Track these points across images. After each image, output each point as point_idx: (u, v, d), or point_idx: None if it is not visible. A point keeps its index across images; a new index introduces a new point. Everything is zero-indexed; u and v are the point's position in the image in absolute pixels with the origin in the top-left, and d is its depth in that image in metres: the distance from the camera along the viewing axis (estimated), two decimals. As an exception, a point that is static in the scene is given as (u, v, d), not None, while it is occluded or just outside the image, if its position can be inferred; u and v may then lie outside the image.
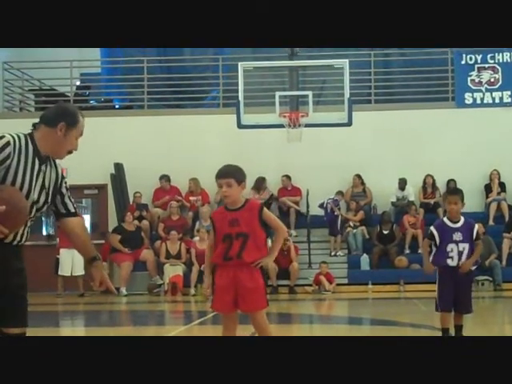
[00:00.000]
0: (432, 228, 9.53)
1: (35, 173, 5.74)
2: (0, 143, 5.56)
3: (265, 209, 7.04)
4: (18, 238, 5.71)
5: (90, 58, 25.70)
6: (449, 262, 9.15)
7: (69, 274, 20.20)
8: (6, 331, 5.70)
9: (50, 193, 5.90)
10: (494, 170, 21.44)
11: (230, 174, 6.88)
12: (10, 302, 5.70)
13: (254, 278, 6.89)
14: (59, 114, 5.85)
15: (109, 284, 6.03)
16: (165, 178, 21.93)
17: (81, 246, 6.04)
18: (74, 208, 6.06)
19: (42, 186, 5.82)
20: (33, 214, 5.79)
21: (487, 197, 21.54)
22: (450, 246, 9.17)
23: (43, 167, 5.80)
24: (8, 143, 5.59)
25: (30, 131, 5.85)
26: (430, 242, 9.34)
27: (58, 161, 6.01)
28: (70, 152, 5.90)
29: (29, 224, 5.77)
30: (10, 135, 5.65)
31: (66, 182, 6.01)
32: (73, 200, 6.05)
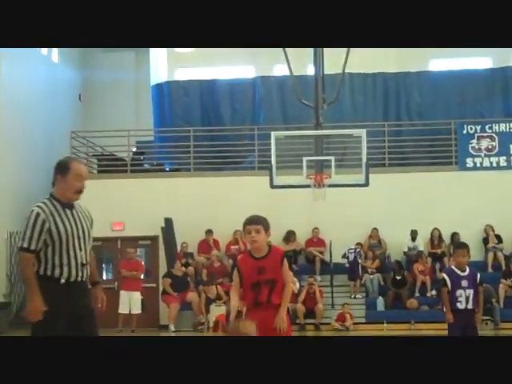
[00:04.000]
0: (444, 275, 9.63)
1: (70, 217, 6.08)
2: (32, 217, 5.98)
3: (285, 260, 6.68)
4: (85, 276, 6.22)
5: (145, 128, 26.00)
6: (458, 305, 9.24)
7: (127, 312, 20.24)
8: None
9: (89, 229, 6.31)
10: (487, 224, 21.42)
11: (260, 221, 6.62)
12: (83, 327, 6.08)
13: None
14: (55, 168, 6.29)
15: (104, 304, 6.59)
16: (209, 232, 22.02)
17: (91, 272, 6.42)
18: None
19: (83, 227, 6.17)
20: (85, 249, 6.19)
21: (485, 248, 21.41)
22: (459, 292, 9.25)
23: (74, 213, 6.16)
24: (38, 214, 5.98)
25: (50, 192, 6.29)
26: (447, 288, 9.28)
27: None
28: (79, 192, 6.22)
29: (87, 259, 6.22)
30: (38, 206, 6.07)
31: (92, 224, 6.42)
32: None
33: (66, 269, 5.97)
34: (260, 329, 6.40)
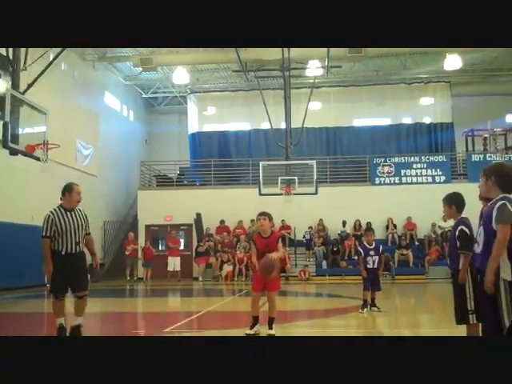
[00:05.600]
0: (359, 248, 9.59)
1: (69, 218, 6.28)
2: (46, 217, 6.24)
3: (280, 239, 6.75)
4: (78, 249, 6.32)
5: (184, 159, 26.02)
6: (368, 266, 9.24)
7: (172, 269, 20.26)
8: (78, 294, 6.33)
9: (84, 224, 6.40)
10: (388, 217, 21.47)
11: (265, 214, 6.69)
12: (75, 278, 6.28)
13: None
14: (63, 190, 6.37)
15: (98, 266, 6.77)
16: (222, 221, 22.00)
17: (89, 247, 6.56)
18: (89, 232, 6.56)
19: (78, 222, 6.32)
20: (79, 235, 6.32)
21: (387, 231, 21.47)
22: (368, 258, 9.28)
23: (72, 214, 6.32)
24: (49, 215, 6.25)
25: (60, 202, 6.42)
26: (362, 256, 9.35)
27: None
28: (79, 201, 6.38)
29: (79, 240, 6.32)
30: (50, 211, 6.29)
31: (87, 220, 6.48)
32: (89, 227, 6.53)
33: (64, 245, 6.27)
34: (262, 279, 6.50)
